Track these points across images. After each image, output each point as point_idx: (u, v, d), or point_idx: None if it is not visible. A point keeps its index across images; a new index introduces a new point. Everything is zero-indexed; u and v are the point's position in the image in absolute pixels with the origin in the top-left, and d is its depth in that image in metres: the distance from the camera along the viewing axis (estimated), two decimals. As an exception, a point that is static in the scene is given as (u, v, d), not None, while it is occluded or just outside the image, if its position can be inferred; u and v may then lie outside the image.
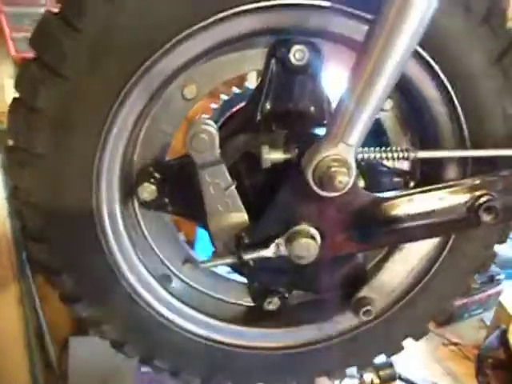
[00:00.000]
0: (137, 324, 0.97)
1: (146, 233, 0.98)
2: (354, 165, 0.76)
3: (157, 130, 0.90)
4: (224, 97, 1.24)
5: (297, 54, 0.84)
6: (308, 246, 0.83)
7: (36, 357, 1.66)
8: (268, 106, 0.89)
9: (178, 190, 0.91)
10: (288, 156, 0.82)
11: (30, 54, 0.77)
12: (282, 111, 0.90)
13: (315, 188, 0.77)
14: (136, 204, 0.94)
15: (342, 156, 0.74)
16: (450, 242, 0.98)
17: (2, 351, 1.53)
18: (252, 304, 1.04)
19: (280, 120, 0.89)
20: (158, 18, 0.74)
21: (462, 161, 0.92)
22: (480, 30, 0.80)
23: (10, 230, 1.45)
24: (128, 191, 0.91)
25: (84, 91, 0.76)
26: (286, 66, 0.85)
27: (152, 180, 0.89)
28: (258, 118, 0.89)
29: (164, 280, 1.00)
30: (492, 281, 2.24)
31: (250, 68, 0.90)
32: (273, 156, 0.82)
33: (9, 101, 0.80)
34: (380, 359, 1.53)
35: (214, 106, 1.24)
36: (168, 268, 1.01)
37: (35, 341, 1.66)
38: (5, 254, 1.47)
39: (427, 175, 0.98)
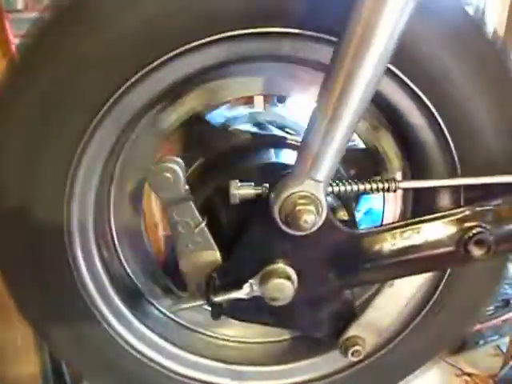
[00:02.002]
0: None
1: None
2: (323, 201, 0.71)
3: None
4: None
5: None
6: (283, 286, 0.78)
7: (50, 376, 1.64)
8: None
9: None
10: (258, 191, 0.77)
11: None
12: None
13: (282, 227, 0.72)
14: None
15: (309, 192, 0.70)
16: (447, 274, 0.92)
17: (16, 371, 1.53)
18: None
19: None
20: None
21: (454, 190, 0.86)
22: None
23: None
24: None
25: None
26: None
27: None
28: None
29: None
30: (507, 305, 2.14)
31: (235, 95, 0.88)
32: (242, 191, 0.77)
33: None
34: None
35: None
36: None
37: (49, 360, 1.64)
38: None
39: (420, 207, 0.92)
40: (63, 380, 1.76)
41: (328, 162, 0.69)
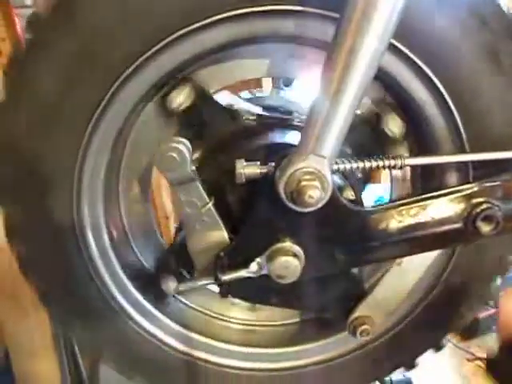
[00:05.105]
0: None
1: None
2: (328, 177, 0.71)
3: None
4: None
5: None
6: (289, 264, 0.78)
7: (67, 373, 1.67)
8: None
9: None
10: (263, 170, 0.77)
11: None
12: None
13: (288, 204, 0.72)
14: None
15: (314, 168, 0.70)
16: (456, 253, 0.91)
17: (36, 371, 1.55)
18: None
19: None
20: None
21: (462, 167, 0.86)
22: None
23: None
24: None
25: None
26: None
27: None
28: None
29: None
30: (520, 289, 2.12)
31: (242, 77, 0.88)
32: (247, 170, 0.77)
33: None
34: (397, 376, 1.45)
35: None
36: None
37: (68, 360, 1.67)
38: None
39: (427, 185, 0.91)
40: (80, 373, 1.80)
41: (332, 137, 0.69)
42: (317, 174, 0.70)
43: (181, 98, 0.84)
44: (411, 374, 1.44)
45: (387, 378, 1.47)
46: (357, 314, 0.92)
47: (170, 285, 0.93)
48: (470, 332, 1.96)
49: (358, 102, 0.68)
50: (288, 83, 1.33)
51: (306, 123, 0.70)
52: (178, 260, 0.93)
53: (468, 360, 1.87)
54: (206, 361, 0.98)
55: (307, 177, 0.69)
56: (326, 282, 0.89)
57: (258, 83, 1.38)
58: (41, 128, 0.77)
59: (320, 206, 0.71)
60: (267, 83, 1.43)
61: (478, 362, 1.85)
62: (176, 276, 0.96)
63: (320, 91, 0.67)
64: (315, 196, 0.69)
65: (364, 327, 0.92)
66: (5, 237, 0.84)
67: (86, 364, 1.83)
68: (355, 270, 0.93)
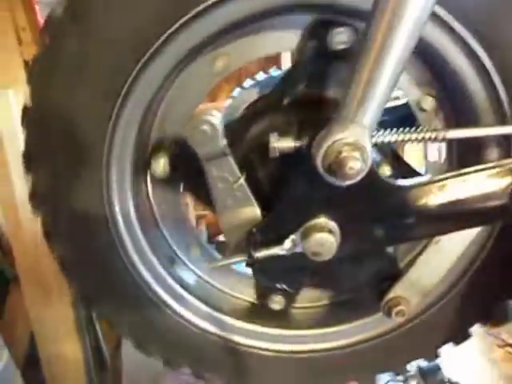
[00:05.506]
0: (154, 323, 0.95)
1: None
2: (368, 148, 0.68)
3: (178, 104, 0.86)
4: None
5: (337, 37, 0.77)
6: (325, 241, 0.76)
7: (90, 356, 1.69)
8: (297, 92, 0.84)
9: (191, 169, 0.85)
10: (298, 144, 0.74)
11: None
12: (311, 97, 0.84)
13: (326, 176, 0.69)
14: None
15: (353, 139, 0.67)
16: (497, 230, 0.88)
17: (60, 353, 1.58)
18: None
19: (306, 106, 0.84)
20: None
21: (504, 140, 0.82)
22: None
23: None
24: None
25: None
26: (324, 50, 0.79)
27: (166, 154, 0.86)
28: (285, 103, 0.84)
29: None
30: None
31: (285, 48, 0.86)
32: (282, 144, 0.75)
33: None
34: (426, 363, 1.43)
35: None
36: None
37: (90, 341, 1.69)
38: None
39: (466, 160, 0.88)
40: (102, 356, 1.82)
41: (373, 106, 0.66)
42: (357, 145, 0.67)
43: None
44: (439, 360, 1.41)
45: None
46: (392, 294, 0.90)
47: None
48: (500, 318, 1.92)
49: (399, 71, 0.65)
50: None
51: (345, 92, 0.67)
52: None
53: (498, 346, 1.83)
54: (243, 344, 0.96)
55: (347, 148, 0.66)
56: (360, 262, 0.87)
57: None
58: (76, 91, 0.76)
59: (359, 178, 0.68)
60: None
61: (508, 349, 1.80)
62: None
63: (361, 58, 0.64)
64: (356, 168, 0.66)
65: (399, 308, 0.89)
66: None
67: (108, 348, 1.85)
68: (390, 249, 0.90)
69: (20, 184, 1.42)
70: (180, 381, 1.60)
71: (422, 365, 1.51)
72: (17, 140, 1.38)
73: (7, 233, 1.51)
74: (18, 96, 1.34)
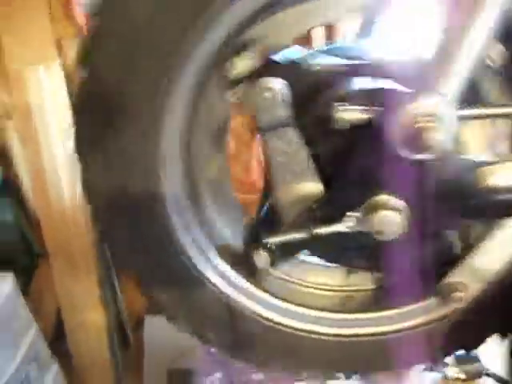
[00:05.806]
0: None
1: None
2: (450, 121, 0.62)
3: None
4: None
5: None
6: (390, 219, 0.72)
7: (114, 335, 1.74)
8: None
9: None
10: (365, 114, 0.70)
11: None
12: None
13: (399, 148, 0.64)
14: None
15: (434, 109, 0.62)
16: None
17: (85, 332, 1.62)
18: None
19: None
20: None
21: None
22: None
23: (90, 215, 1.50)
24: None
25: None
26: None
27: None
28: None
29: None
30: None
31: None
32: (348, 115, 0.70)
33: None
34: (464, 353, 1.39)
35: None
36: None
37: (113, 320, 1.73)
38: (85, 236, 1.51)
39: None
40: (125, 332, 1.89)
41: (459, 75, 0.61)
42: (436, 116, 0.62)
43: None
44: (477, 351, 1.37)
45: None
46: (451, 279, 0.85)
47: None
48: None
49: (487, 40, 0.60)
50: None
51: (428, 61, 0.63)
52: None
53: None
54: (299, 329, 0.92)
55: (426, 118, 0.62)
56: (419, 244, 0.82)
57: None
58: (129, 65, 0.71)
59: (439, 152, 0.63)
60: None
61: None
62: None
63: (449, 24, 0.60)
64: (435, 139, 0.61)
65: (457, 294, 0.85)
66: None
67: (130, 325, 1.91)
68: (451, 232, 0.85)
69: (50, 160, 1.42)
70: (207, 359, 1.59)
71: (459, 354, 1.46)
72: (47, 115, 1.38)
73: (37, 212, 1.51)
74: (48, 72, 1.34)
